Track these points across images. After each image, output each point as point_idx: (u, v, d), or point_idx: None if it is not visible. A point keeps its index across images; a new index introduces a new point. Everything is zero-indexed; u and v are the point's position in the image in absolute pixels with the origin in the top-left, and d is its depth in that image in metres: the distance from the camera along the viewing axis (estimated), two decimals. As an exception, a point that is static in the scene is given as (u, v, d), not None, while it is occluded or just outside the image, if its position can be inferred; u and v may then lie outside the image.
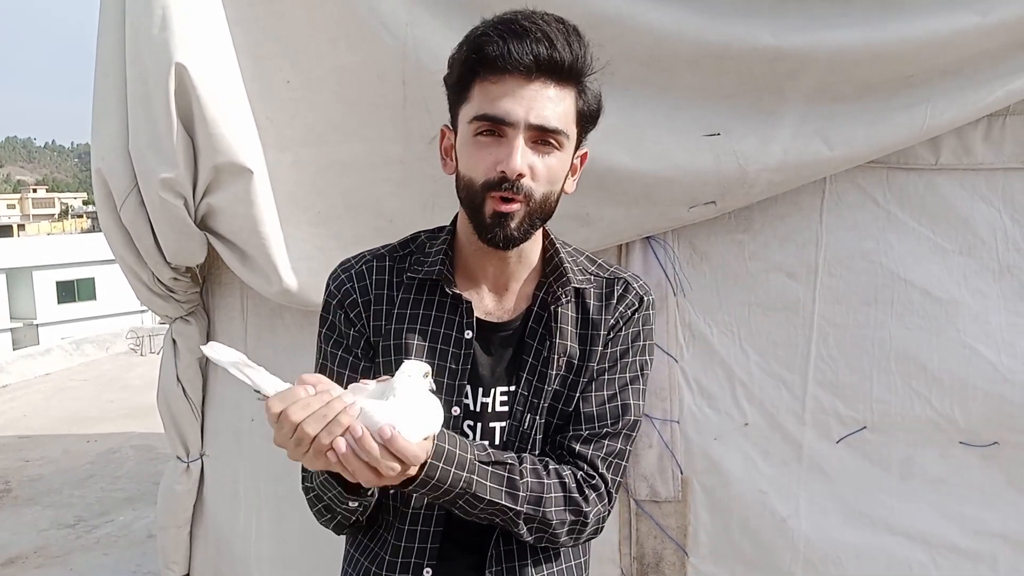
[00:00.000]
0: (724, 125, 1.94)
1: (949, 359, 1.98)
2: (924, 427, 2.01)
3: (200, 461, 2.44)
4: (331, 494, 1.12)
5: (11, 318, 33.32)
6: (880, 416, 2.03)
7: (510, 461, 1.14)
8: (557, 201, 1.17)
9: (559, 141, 1.12)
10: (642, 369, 1.26)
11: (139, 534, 4.60)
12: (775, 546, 2.08)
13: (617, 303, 1.24)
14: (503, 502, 1.12)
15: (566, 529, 1.18)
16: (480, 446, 1.13)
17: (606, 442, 1.21)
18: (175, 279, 2.22)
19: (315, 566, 2.22)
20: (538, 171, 1.11)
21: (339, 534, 1.23)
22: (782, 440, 2.08)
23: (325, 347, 1.25)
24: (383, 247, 1.28)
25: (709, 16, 1.87)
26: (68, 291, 34.26)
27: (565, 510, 1.16)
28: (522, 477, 1.14)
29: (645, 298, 1.27)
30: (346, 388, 1.00)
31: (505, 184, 1.09)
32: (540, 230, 1.22)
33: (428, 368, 1.01)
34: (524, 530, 1.15)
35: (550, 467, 1.17)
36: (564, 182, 1.18)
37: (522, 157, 1.09)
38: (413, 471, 1.01)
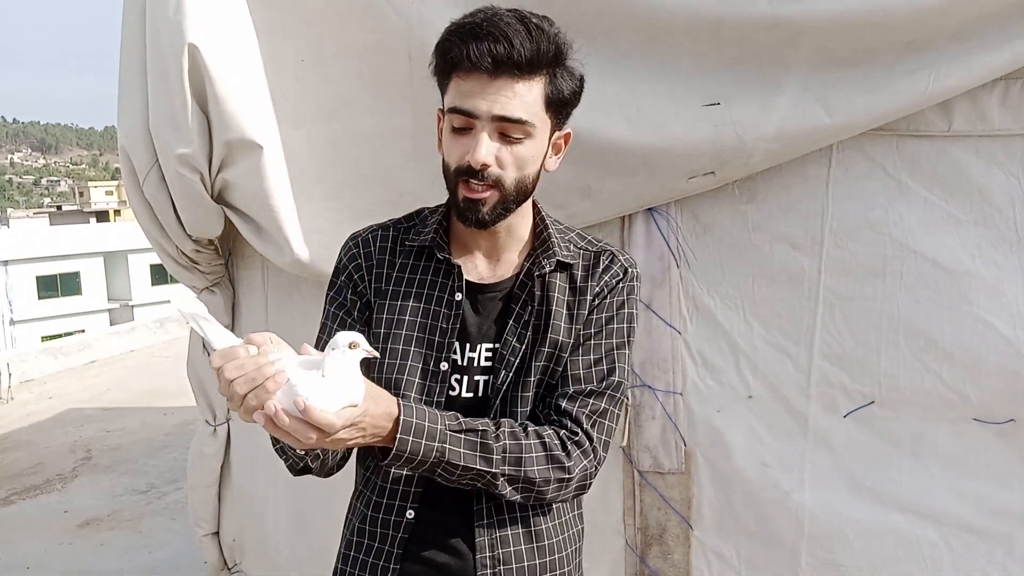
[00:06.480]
0: (726, 94, 1.91)
1: (961, 333, 1.91)
2: (935, 403, 1.95)
3: (227, 425, 2.56)
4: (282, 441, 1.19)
5: (108, 299, 35.01)
6: (889, 391, 1.98)
7: (482, 427, 1.21)
8: (534, 183, 1.26)
9: (526, 130, 1.19)
10: (628, 336, 1.33)
11: (204, 501, 4.81)
12: (779, 520, 2.06)
13: (603, 273, 1.33)
14: (478, 466, 1.18)
15: (552, 487, 1.24)
16: (452, 416, 1.20)
17: (591, 400, 1.28)
18: (197, 251, 2.33)
19: (329, 528, 2.30)
20: (505, 160, 1.20)
21: (295, 475, 1.30)
22: (786, 413, 2.05)
23: (329, 308, 1.36)
24: (391, 220, 1.39)
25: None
26: (161, 274, 35.76)
27: (548, 468, 1.22)
28: (498, 440, 1.20)
29: (630, 270, 1.35)
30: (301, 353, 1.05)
31: (472, 172, 1.19)
32: (529, 206, 1.32)
33: (356, 337, 1.04)
34: (508, 490, 1.22)
35: (529, 429, 1.24)
36: (543, 163, 1.27)
37: (486, 149, 1.18)
38: (347, 437, 1.06)
